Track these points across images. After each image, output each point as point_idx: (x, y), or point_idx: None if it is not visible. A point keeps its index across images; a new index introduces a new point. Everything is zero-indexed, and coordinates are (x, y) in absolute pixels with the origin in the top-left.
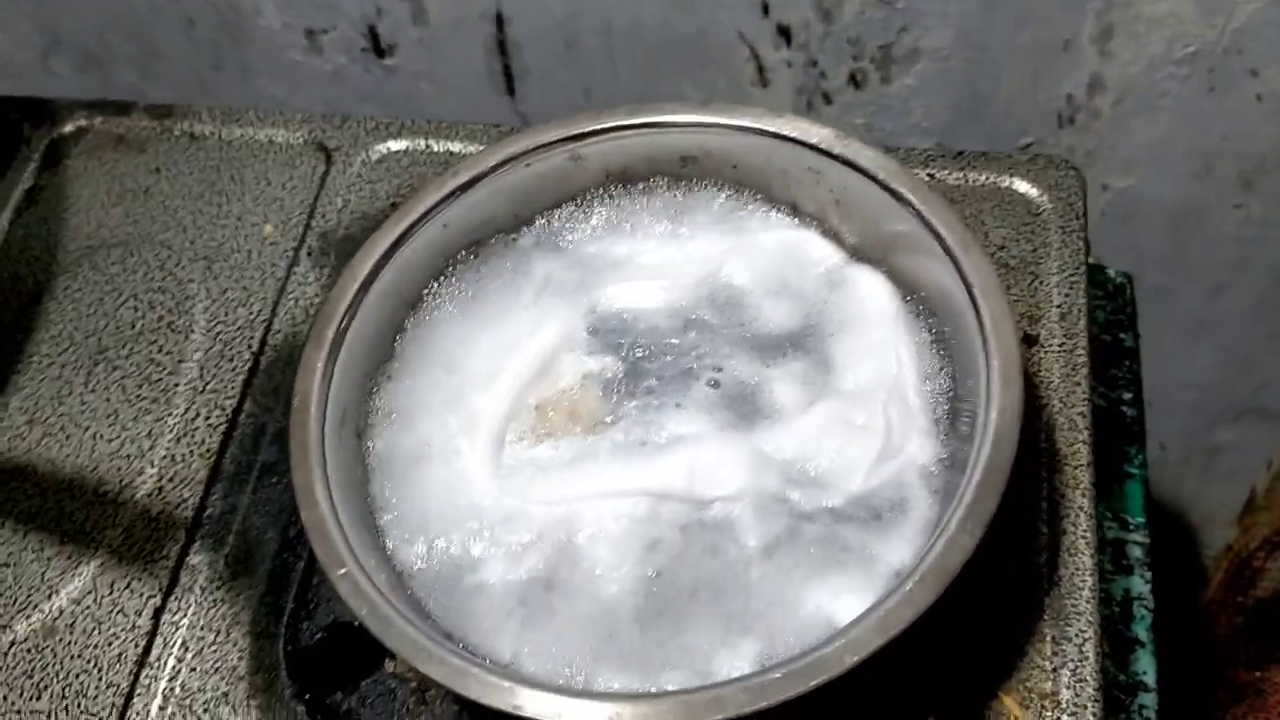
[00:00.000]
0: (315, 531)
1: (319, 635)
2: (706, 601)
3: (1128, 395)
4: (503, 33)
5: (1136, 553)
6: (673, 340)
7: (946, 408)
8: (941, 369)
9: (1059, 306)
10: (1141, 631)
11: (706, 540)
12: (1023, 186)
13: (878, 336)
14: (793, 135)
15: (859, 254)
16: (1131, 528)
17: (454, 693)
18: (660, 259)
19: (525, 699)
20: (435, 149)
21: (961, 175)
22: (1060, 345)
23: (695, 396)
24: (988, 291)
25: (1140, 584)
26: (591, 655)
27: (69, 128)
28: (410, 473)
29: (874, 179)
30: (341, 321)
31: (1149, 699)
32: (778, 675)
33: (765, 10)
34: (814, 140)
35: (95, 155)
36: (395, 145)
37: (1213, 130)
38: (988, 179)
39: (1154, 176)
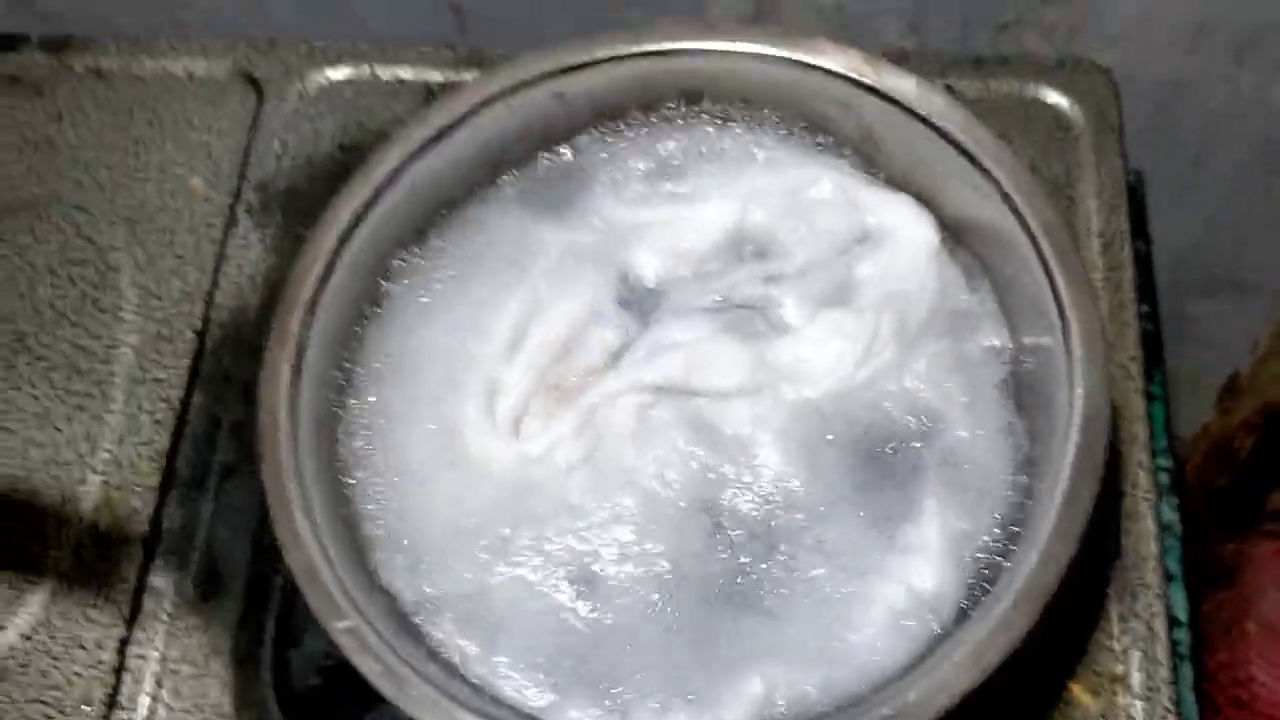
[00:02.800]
0: (306, 578)
1: (311, 684)
2: None
3: (1145, 308)
4: None
5: (1162, 479)
6: (698, 301)
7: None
8: (986, 312)
9: (1100, 235)
10: (1172, 563)
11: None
12: (1052, 97)
13: (905, 263)
14: (817, 63)
15: (898, 190)
16: (1155, 453)
17: None
18: (677, 223)
19: None
20: (383, 77)
21: (983, 86)
22: (1104, 280)
23: (702, 310)
24: (1061, 251)
25: (1168, 511)
26: None
27: None
28: (404, 484)
29: (915, 114)
30: (306, 309)
31: (1181, 634)
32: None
33: None
34: (842, 69)
35: None
36: (335, 74)
37: (1202, 2)
38: (1012, 89)
39: (1140, 51)
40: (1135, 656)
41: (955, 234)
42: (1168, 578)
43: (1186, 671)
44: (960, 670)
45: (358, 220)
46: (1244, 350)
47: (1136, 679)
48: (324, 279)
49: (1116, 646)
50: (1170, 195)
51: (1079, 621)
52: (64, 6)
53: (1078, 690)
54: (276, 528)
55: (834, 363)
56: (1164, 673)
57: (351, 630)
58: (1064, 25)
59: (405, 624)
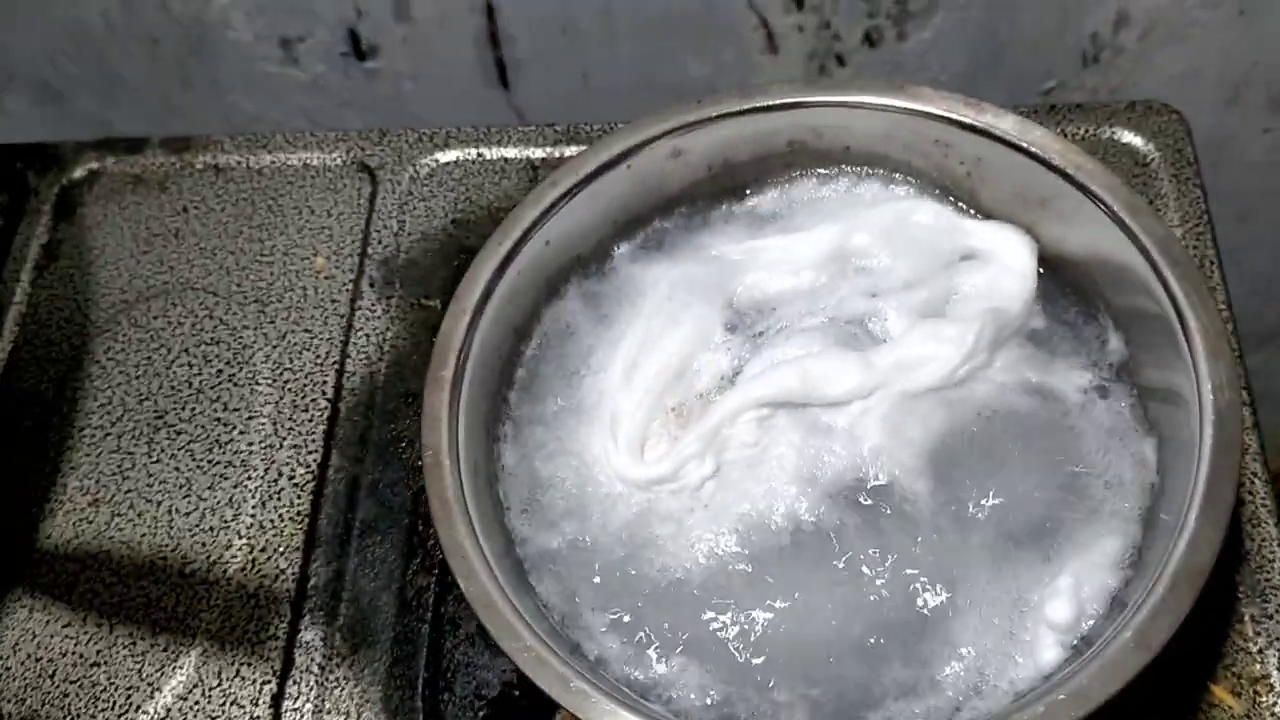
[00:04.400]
0: (480, 602)
1: (469, 709)
2: None
3: None
4: (494, 23)
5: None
6: (805, 320)
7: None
8: (1099, 336)
9: None
10: None
11: None
12: (1126, 137)
13: (1007, 281)
14: (916, 108)
15: (996, 220)
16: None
17: None
18: (782, 252)
19: None
20: (488, 156)
21: (1059, 130)
22: None
23: (810, 328)
24: (1174, 259)
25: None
26: None
27: (79, 172)
28: (545, 500)
29: (1014, 145)
30: (458, 358)
31: None
32: (1041, 709)
33: None
34: (941, 111)
35: (112, 200)
36: (444, 157)
37: (1242, 56)
38: (1087, 132)
39: (1181, 109)
40: (1273, 656)
41: (1056, 261)
42: None
43: None
44: (1128, 654)
45: (498, 276)
46: None
47: (1277, 678)
48: (470, 332)
49: (1253, 648)
50: (1226, 251)
51: (1215, 625)
52: (99, 108)
53: (1220, 692)
54: (450, 559)
55: (933, 365)
56: None
57: (531, 654)
58: (1105, 88)
59: (566, 641)
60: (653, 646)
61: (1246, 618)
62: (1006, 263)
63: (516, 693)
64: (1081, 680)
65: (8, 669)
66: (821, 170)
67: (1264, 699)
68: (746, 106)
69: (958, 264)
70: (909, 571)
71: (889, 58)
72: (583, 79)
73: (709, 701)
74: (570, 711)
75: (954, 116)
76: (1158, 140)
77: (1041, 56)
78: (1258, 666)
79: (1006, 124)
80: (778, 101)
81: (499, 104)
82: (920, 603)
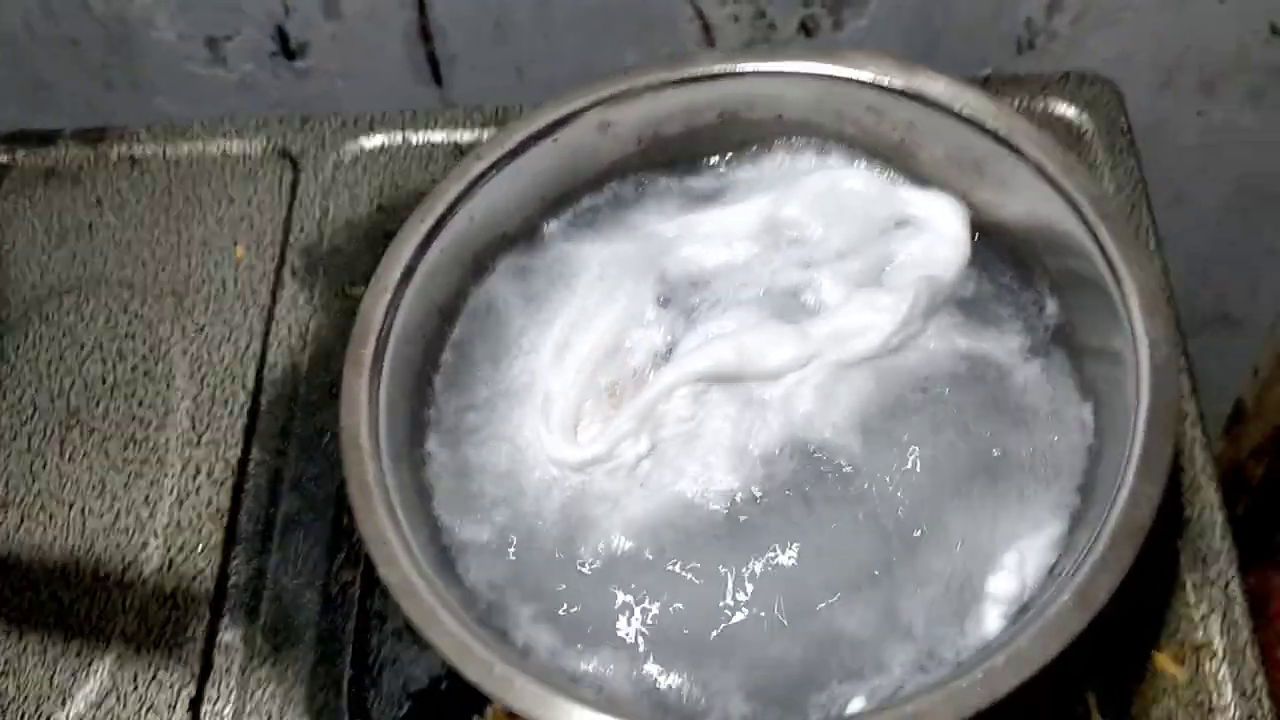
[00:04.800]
0: (401, 589)
1: (405, 710)
2: None
3: None
4: (425, 18)
5: None
6: (738, 292)
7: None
8: (1035, 301)
9: None
10: None
11: None
12: (1060, 108)
13: (941, 248)
14: (846, 74)
15: (930, 187)
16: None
17: None
18: (714, 225)
19: None
20: (414, 141)
21: None
22: None
23: (744, 300)
24: (1106, 216)
25: None
26: None
27: None
28: (475, 488)
29: (947, 110)
30: (379, 337)
31: None
32: (979, 675)
33: None
34: (871, 76)
35: (24, 194)
36: (368, 143)
37: (1175, 39)
38: (1021, 104)
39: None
40: (1215, 622)
41: (993, 226)
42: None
43: None
44: (1067, 615)
45: (420, 253)
46: (1239, 384)
47: (1219, 644)
48: (391, 312)
49: (1195, 614)
50: (1157, 238)
51: (1158, 592)
52: (21, 113)
53: (1163, 660)
54: (369, 546)
55: (868, 334)
56: (1246, 634)
57: (455, 642)
58: (1039, 73)
59: (492, 629)
60: (584, 632)
61: (1188, 585)
62: (940, 230)
63: (444, 685)
64: (1021, 644)
65: None
66: (754, 141)
67: (1206, 666)
68: (676, 77)
69: (892, 232)
70: (848, 547)
71: (825, 45)
72: (517, 73)
73: (642, 688)
74: (498, 700)
75: (884, 82)
76: (1091, 111)
77: (976, 43)
78: (1200, 633)
79: (938, 88)
80: (707, 71)
81: (431, 100)
82: (860, 579)
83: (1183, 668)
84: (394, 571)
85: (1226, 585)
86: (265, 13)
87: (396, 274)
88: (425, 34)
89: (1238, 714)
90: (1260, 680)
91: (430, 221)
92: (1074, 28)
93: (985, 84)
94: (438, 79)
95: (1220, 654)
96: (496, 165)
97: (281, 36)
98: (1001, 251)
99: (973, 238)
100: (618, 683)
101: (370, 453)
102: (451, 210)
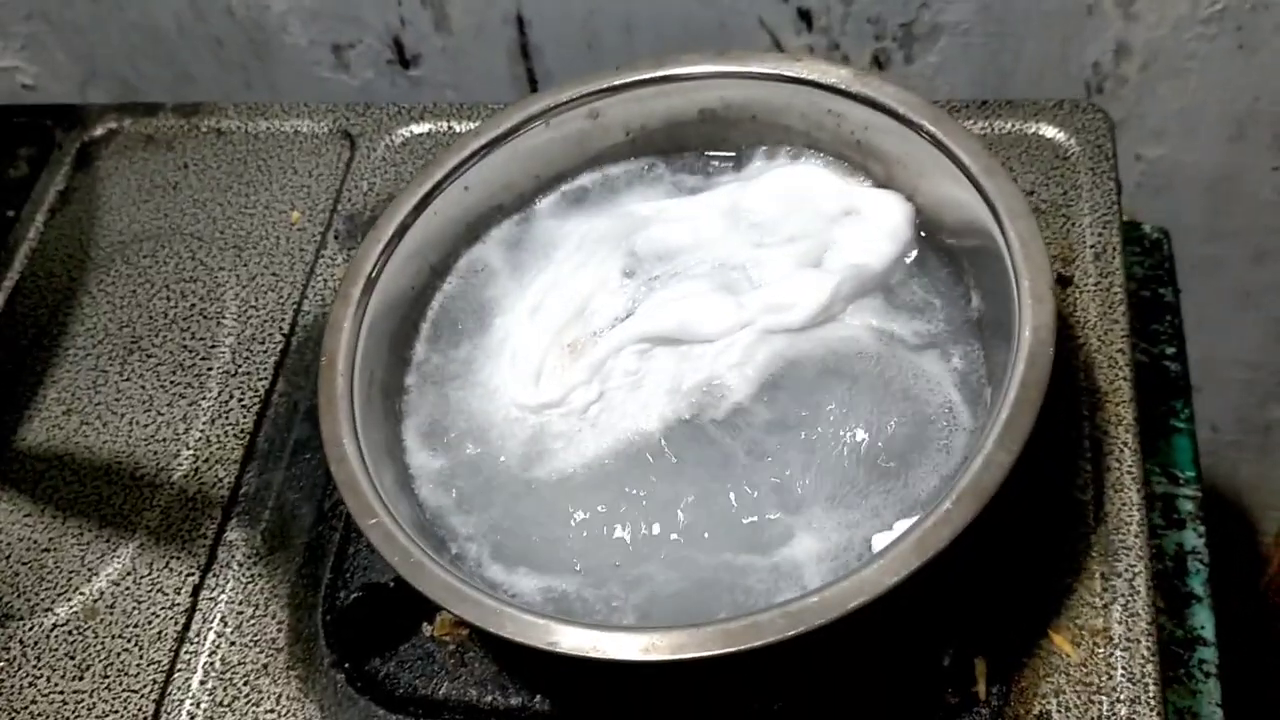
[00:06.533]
0: (345, 484)
1: (354, 595)
2: None
3: (1170, 350)
4: (524, 36)
5: (1188, 506)
6: (695, 266)
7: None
8: (963, 295)
9: (1092, 247)
10: (1197, 586)
11: None
12: (1049, 132)
13: (873, 238)
14: (810, 78)
15: (884, 185)
16: (1181, 482)
17: (491, 636)
18: (684, 209)
19: (560, 635)
20: (459, 130)
21: (987, 124)
22: (1096, 284)
23: (698, 275)
24: (1014, 214)
25: (1193, 538)
26: None
27: (99, 130)
28: (446, 422)
29: (894, 114)
30: (368, 278)
31: (1208, 653)
32: (815, 600)
33: None
34: (832, 81)
35: (125, 155)
36: (418, 129)
37: (1244, 91)
38: (1014, 126)
39: (1186, 143)
40: (1116, 611)
41: (934, 225)
42: (1192, 597)
43: (1213, 687)
44: (901, 559)
45: (415, 213)
46: None
47: (1117, 631)
48: (383, 259)
49: (1098, 602)
50: (1237, 295)
51: (1062, 580)
52: (134, 77)
53: (1059, 640)
54: (323, 428)
55: (795, 309)
56: (1143, 625)
57: (378, 525)
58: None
59: (430, 533)
60: (508, 548)
61: (1096, 574)
62: (878, 224)
63: (392, 585)
64: (843, 583)
65: None
66: (733, 139)
67: (1101, 650)
68: (657, 75)
69: (840, 221)
70: (753, 490)
71: (899, 80)
72: None
73: (551, 596)
74: (415, 587)
75: (842, 86)
76: (1080, 136)
77: (1046, 84)
78: (1100, 620)
79: (887, 93)
80: (684, 72)
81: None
82: (761, 520)
83: (1077, 649)
84: (343, 470)
85: (1133, 579)
86: (384, 24)
87: (391, 228)
88: (525, 52)
89: (1124, 696)
90: (1150, 669)
91: (427, 186)
92: (1142, 74)
93: (983, 106)
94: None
95: (1116, 640)
96: (492, 143)
97: (398, 47)
98: (938, 249)
99: (918, 234)
100: (529, 588)
101: (343, 372)
102: (448, 178)
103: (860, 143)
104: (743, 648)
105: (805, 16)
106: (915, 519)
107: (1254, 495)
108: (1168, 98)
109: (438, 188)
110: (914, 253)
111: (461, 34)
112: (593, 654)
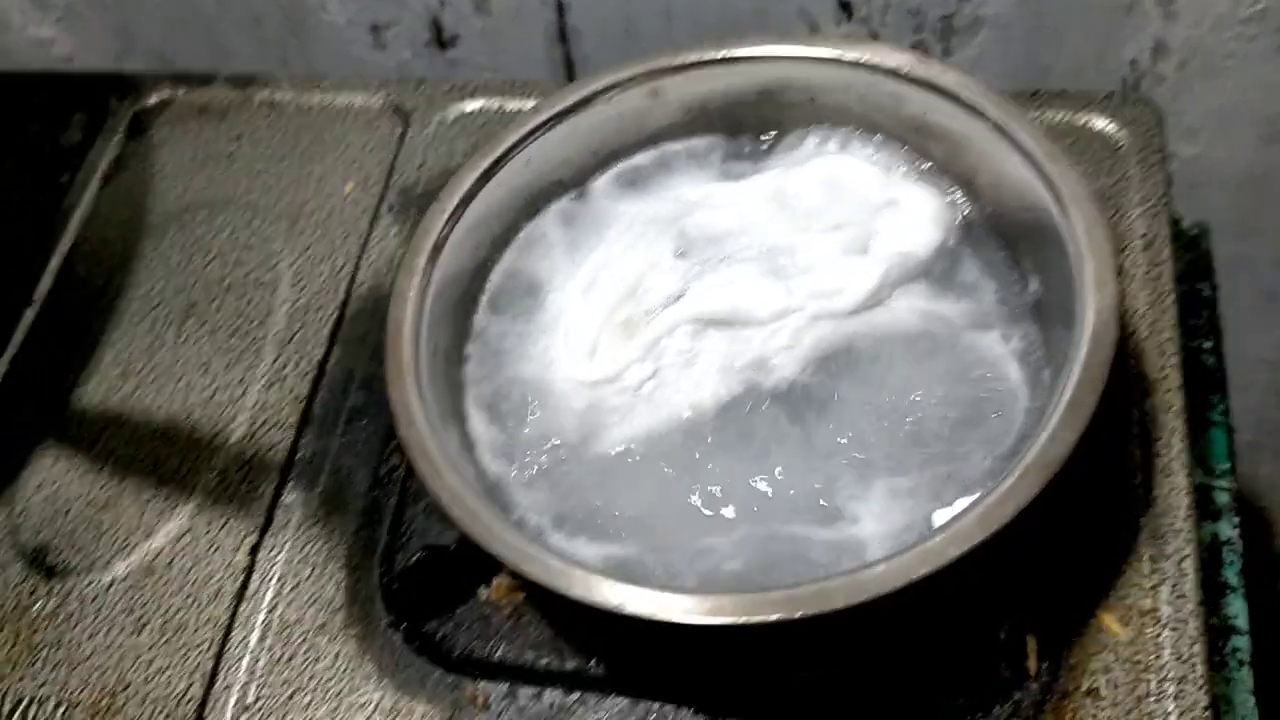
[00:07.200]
0: (416, 448)
1: (416, 557)
2: None
3: (1208, 344)
4: (563, 19)
5: (1223, 498)
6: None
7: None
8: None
9: (1143, 236)
10: (1231, 576)
11: None
12: (1100, 123)
13: (916, 227)
14: (871, 62)
15: (941, 174)
16: (1217, 474)
17: (557, 597)
18: (734, 194)
19: (626, 596)
20: (509, 108)
21: (1038, 114)
22: (1145, 273)
23: (748, 258)
24: (1078, 198)
25: (1228, 529)
26: None
27: (153, 99)
28: (505, 392)
29: (956, 99)
30: (433, 249)
31: (1242, 641)
32: (881, 569)
33: None
34: (893, 65)
35: (178, 125)
36: (470, 106)
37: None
38: (1064, 117)
39: (1221, 143)
40: (1164, 592)
41: (990, 207)
42: (1226, 587)
43: (1246, 676)
44: (965, 532)
45: (478, 186)
46: None
47: (1165, 611)
48: (447, 230)
49: (1147, 584)
50: (1263, 295)
51: (1111, 561)
52: (170, 52)
53: (1108, 619)
54: (391, 394)
55: (844, 294)
56: (1191, 606)
57: (446, 487)
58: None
59: (492, 499)
60: (569, 517)
61: (1145, 557)
62: (920, 213)
63: (452, 548)
64: (920, 548)
65: (29, 506)
66: (791, 121)
67: (1149, 630)
68: (718, 56)
69: (882, 210)
70: (809, 467)
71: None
72: None
73: (612, 563)
74: (484, 547)
75: (903, 70)
76: (1131, 128)
77: (1083, 80)
78: (1148, 601)
79: (949, 79)
80: (746, 54)
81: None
82: (822, 494)
83: (1127, 629)
84: (411, 432)
85: (1181, 561)
86: (424, 4)
87: (455, 200)
88: (563, 35)
89: (1172, 674)
90: (1198, 649)
91: (490, 160)
92: (1180, 73)
93: (1034, 96)
94: (571, 78)
95: (1164, 621)
96: (553, 120)
97: (436, 27)
98: (995, 234)
99: (958, 222)
100: (588, 554)
101: (410, 339)
102: (509, 154)
103: (919, 126)
104: (809, 614)
105: (845, 7)
106: (977, 496)
107: (1273, 495)
108: (1204, 96)
109: (500, 161)
110: (952, 241)
111: (500, 15)
112: (659, 616)
